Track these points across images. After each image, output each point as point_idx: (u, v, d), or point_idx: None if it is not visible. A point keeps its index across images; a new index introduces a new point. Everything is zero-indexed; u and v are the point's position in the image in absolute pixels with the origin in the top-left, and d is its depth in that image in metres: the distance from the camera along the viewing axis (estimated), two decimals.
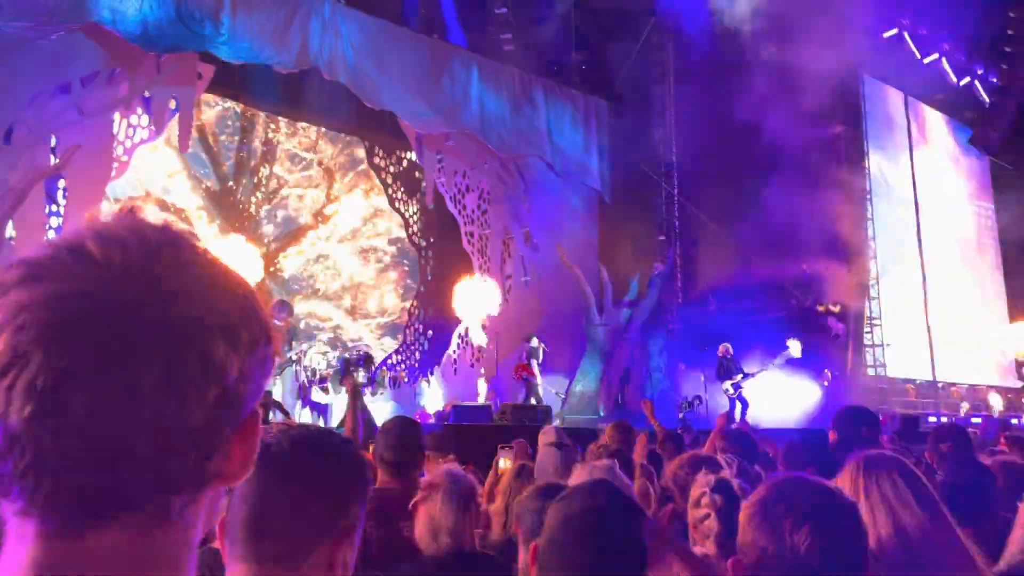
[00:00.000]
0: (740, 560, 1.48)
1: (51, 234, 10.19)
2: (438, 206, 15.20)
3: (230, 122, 13.72)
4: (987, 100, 18.62)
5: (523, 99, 14.48)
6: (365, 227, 15.38)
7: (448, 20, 14.29)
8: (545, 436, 4.39)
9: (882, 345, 15.42)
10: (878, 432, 3.80)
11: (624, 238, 16.96)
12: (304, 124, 14.63)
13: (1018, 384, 18.42)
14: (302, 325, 13.11)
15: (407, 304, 15.57)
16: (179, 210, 12.63)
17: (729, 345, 13.28)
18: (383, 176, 15.60)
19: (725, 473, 2.67)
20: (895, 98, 17.33)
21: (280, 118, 14.35)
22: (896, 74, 16.62)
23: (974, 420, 13.09)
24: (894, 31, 16.01)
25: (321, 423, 9.79)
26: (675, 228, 17.05)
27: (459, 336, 15.51)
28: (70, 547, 0.56)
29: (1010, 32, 17.66)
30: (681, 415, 12.13)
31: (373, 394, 11.69)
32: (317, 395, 10.51)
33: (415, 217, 15.89)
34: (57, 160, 10.15)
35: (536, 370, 12.56)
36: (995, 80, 18.24)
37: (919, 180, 17.59)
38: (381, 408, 11.12)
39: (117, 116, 11.29)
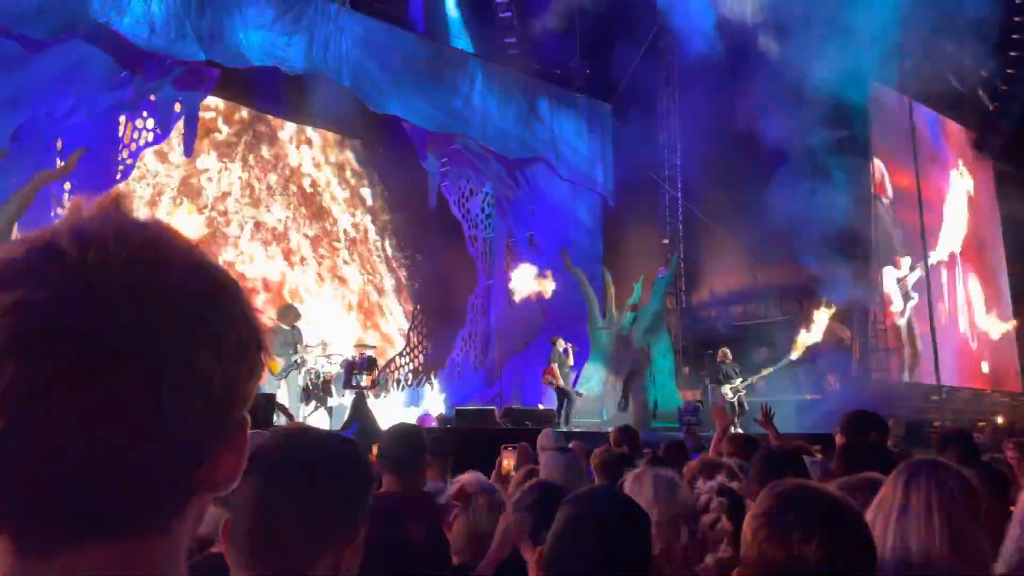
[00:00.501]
0: (744, 573, 1.48)
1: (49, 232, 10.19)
2: (442, 210, 15.21)
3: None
4: (991, 104, 18.59)
5: (527, 104, 14.50)
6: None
7: (452, 24, 14.32)
8: (543, 440, 4.40)
9: (887, 349, 15.39)
10: (886, 437, 3.79)
11: (628, 242, 16.98)
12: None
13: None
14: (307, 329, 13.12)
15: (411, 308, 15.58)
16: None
17: (728, 350, 13.28)
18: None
19: (720, 478, 2.66)
20: (900, 102, 17.31)
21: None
22: (901, 78, 16.60)
23: (980, 424, 13.05)
24: (895, 34, 15.99)
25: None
26: (679, 232, 17.05)
27: (463, 339, 15.53)
28: (49, 565, 0.52)
29: (1015, 36, 17.65)
30: (684, 420, 12.11)
31: (376, 396, 11.70)
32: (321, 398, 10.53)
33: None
34: (63, 163, 10.18)
35: (558, 374, 12.56)
36: (999, 84, 18.22)
37: (924, 184, 17.56)
38: (385, 411, 11.13)
39: (123, 119, 11.34)
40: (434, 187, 14.94)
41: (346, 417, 9.76)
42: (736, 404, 12.53)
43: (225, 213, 13.10)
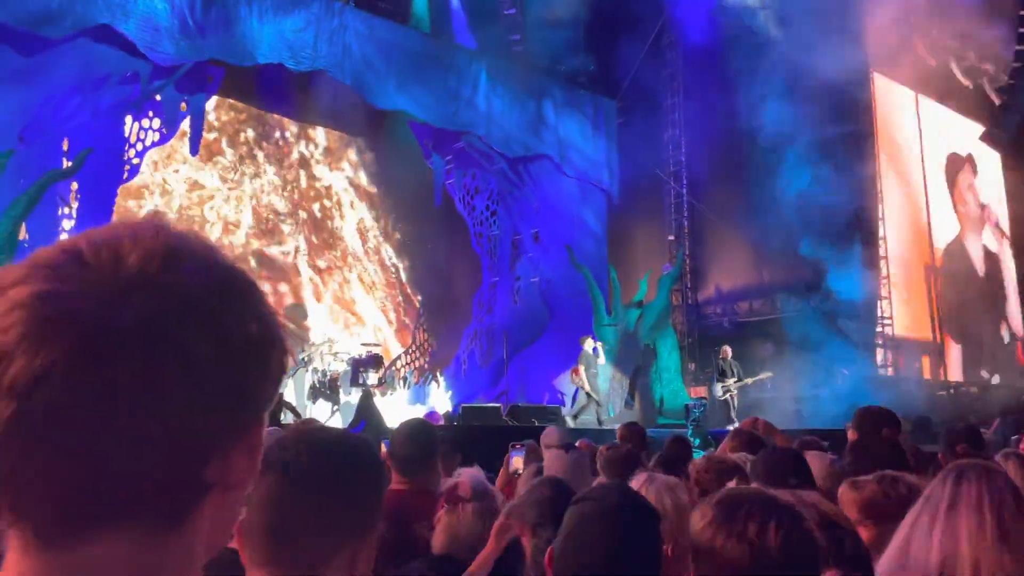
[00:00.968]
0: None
1: (63, 236, 10.24)
2: (447, 207, 15.22)
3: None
4: (997, 98, 18.51)
5: (532, 100, 14.49)
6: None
7: (456, 21, 14.31)
8: (547, 438, 4.40)
9: (894, 344, 15.34)
10: (898, 432, 3.78)
11: (633, 238, 16.95)
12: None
13: None
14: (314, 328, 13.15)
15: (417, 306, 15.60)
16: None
17: (728, 348, 13.30)
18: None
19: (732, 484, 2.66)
20: (905, 96, 17.24)
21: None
22: (906, 72, 16.53)
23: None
24: (904, 28, 15.93)
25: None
26: (684, 228, 17.02)
27: (468, 337, 15.54)
28: (62, 558, 0.54)
29: (1021, 30, 17.56)
30: (691, 418, 12.11)
31: (383, 395, 11.71)
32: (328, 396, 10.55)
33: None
34: (70, 163, 10.20)
35: (583, 374, 12.59)
36: (1006, 77, 18.13)
37: (930, 179, 17.50)
38: (391, 409, 11.14)
39: (129, 119, 11.36)
40: (439, 185, 14.94)
41: (353, 415, 9.78)
42: (729, 403, 12.55)
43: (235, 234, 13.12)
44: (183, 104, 11.74)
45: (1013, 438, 7.18)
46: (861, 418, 3.71)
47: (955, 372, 16.49)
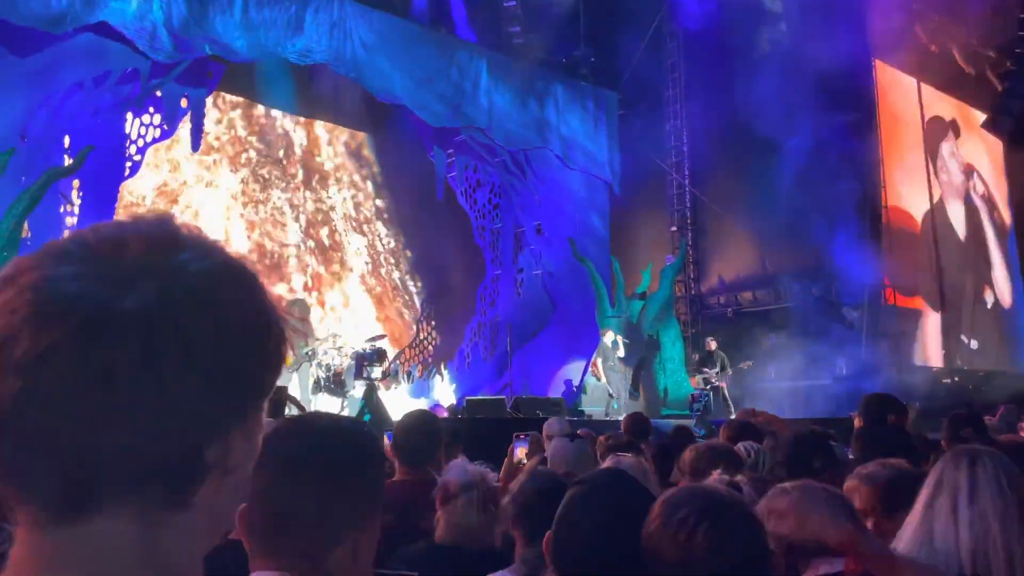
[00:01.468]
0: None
1: (66, 234, 10.24)
2: (449, 200, 15.21)
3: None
4: (999, 84, 18.42)
5: (532, 92, 14.44)
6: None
7: (456, 14, 14.26)
8: (548, 428, 4.41)
9: (898, 333, 15.32)
10: (905, 419, 3.78)
11: (636, 229, 16.93)
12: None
13: None
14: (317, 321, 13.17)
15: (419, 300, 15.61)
16: None
17: (713, 339, 13.37)
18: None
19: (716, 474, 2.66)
20: (907, 84, 17.19)
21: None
22: (908, 60, 16.47)
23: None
24: (905, 16, 15.86)
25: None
26: (686, 218, 16.99)
27: (472, 330, 15.55)
28: (67, 533, 0.56)
29: (1022, 15, 17.47)
30: (696, 407, 12.12)
31: (387, 388, 11.73)
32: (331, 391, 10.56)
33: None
34: (71, 160, 10.21)
35: (599, 366, 12.61)
36: (1008, 63, 18.05)
37: (933, 166, 17.46)
38: (394, 402, 11.15)
39: (129, 116, 11.36)
40: (441, 178, 14.93)
41: (357, 409, 9.79)
42: (721, 392, 12.58)
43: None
44: (184, 100, 11.74)
45: (1020, 424, 7.19)
46: (867, 405, 3.71)
47: (934, 336, 16.41)
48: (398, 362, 13.98)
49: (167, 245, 0.59)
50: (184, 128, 12.10)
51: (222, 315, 0.59)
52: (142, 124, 11.48)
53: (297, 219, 14.04)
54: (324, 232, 14.41)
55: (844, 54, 13.60)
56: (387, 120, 14.09)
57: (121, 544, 0.56)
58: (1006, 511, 1.84)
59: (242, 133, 13.60)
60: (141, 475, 0.56)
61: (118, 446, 0.55)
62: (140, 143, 11.47)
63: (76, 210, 10.79)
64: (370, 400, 9.64)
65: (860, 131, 15.27)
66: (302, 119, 14.41)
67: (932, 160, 17.63)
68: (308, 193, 14.32)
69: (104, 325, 0.54)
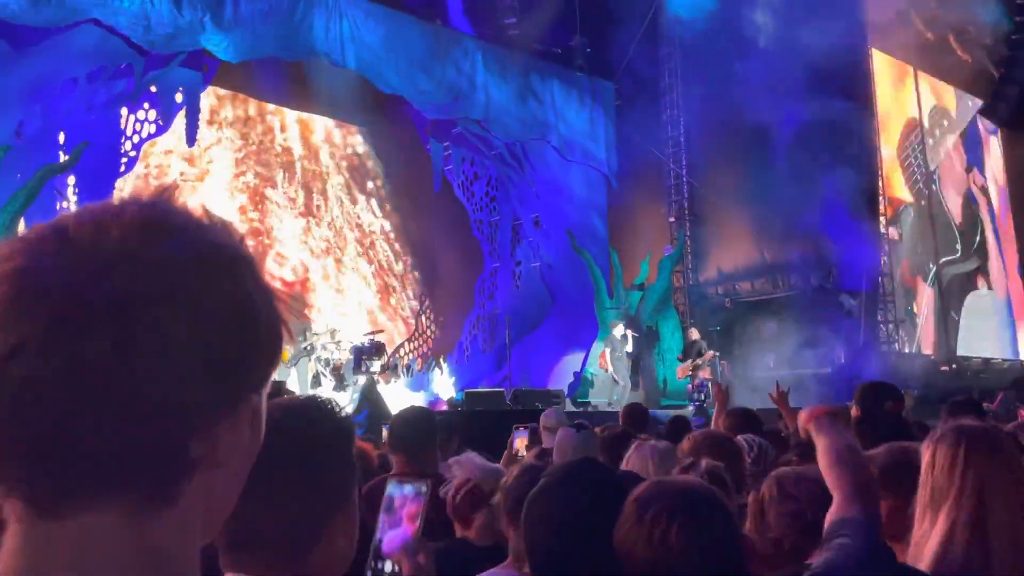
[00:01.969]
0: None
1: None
2: (446, 194, 15.19)
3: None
4: (996, 72, 18.39)
5: (528, 84, 14.41)
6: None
7: (451, 6, 14.21)
8: (546, 420, 4.41)
9: (895, 321, 15.34)
10: (902, 406, 3.78)
11: (633, 221, 16.91)
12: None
13: None
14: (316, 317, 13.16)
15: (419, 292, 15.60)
16: None
17: (696, 330, 13.43)
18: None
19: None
20: (904, 71, 17.16)
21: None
22: (905, 47, 16.43)
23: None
24: (901, 2, 15.82)
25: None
26: (684, 209, 16.97)
27: (471, 323, 15.55)
28: (54, 527, 0.55)
29: (1019, 1, 17.43)
30: (696, 397, 12.13)
31: (386, 382, 11.73)
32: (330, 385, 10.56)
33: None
34: (67, 156, 10.19)
35: (607, 359, 12.61)
36: (1005, 50, 18.02)
37: (930, 153, 17.44)
38: (393, 396, 11.15)
39: (124, 111, 11.33)
40: (438, 171, 14.92)
41: (355, 404, 9.79)
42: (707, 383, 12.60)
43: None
44: (178, 94, 11.70)
45: (1019, 410, 7.20)
46: (863, 393, 3.72)
47: (932, 324, 16.45)
48: (397, 356, 13.99)
49: (152, 230, 0.57)
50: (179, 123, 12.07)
51: (202, 305, 0.56)
52: (137, 120, 11.45)
53: (295, 215, 14.02)
54: (322, 228, 14.38)
55: (840, 42, 13.56)
56: (383, 114, 14.06)
57: (107, 539, 0.55)
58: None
59: (236, 130, 13.57)
60: (122, 470, 0.55)
61: (94, 441, 0.53)
62: (135, 139, 11.45)
63: (72, 207, 10.73)
64: (370, 395, 9.64)
65: (857, 119, 15.24)
66: (301, 115, 14.36)
67: (929, 147, 17.62)
68: (305, 189, 14.29)
69: (76, 319, 0.53)
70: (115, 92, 10.93)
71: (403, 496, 1.35)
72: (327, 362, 10.68)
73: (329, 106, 13.87)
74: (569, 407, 11.32)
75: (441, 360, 14.53)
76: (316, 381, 10.52)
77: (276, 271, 13.35)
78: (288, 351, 9.98)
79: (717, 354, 13.07)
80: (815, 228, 13.86)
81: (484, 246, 15.78)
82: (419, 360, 14.68)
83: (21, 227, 9.31)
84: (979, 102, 18.73)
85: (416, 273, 15.45)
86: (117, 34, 9.83)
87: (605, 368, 12.91)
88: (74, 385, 0.52)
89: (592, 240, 15.10)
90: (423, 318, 15.36)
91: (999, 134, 19.23)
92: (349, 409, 10.06)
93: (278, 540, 1.03)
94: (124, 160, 11.34)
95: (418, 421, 3.21)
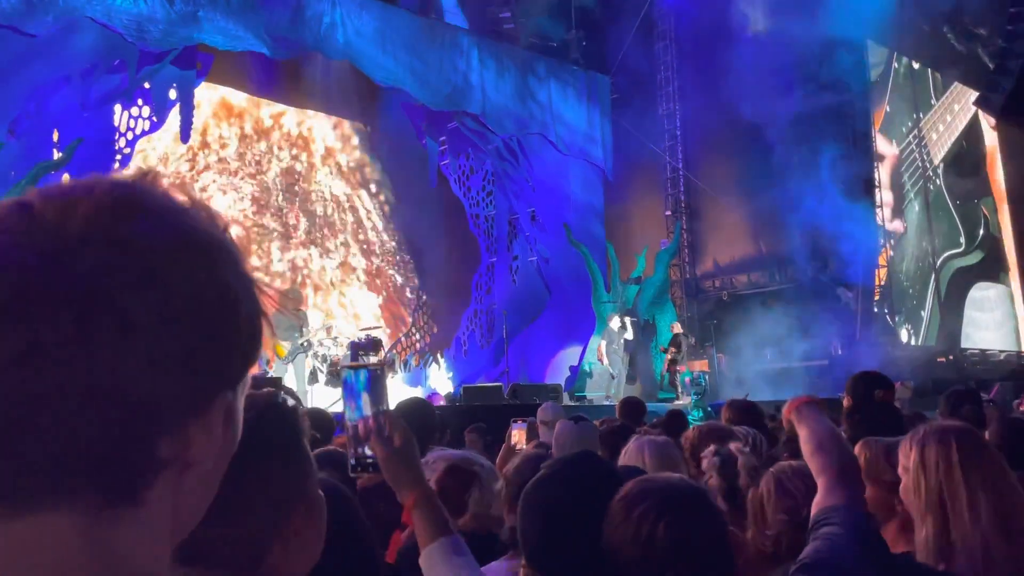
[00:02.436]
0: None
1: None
2: (442, 188, 15.17)
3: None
4: (991, 63, 18.39)
5: (524, 78, 14.39)
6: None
7: (446, 1, 14.19)
8: (543, 414, 4.40)
9: (891, 313, 15.36)
10: (892, 395, 3.79)
11: (630, 214, 16.92)
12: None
13: None
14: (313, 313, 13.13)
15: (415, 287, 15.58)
16: None
17: (679, 324, 13.46)
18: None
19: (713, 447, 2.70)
20: (899, 63, 17.16)
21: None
22: (899, 38, 16.43)
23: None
24: None
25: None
26: (681, 202, 16.97)
27: (468, 318, 15.54)
28: (6, 531, 0.50)
29: None
30: (693, 391, 12.13)
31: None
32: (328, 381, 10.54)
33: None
34: (60, 154, 10.15)
35: (603, 351, 12.64)
36: (1000, 41, 18.01)
37: (926, 145, 17.45)
38: (393, 391, 11.14)
39: (118, 108, 11.29)
40: (434, 166, 14.89)
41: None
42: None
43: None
44: (172, 91, 11.66)
45: (1015, 402, 7.22)
46: (854, 384, 3.73)
47: (929, 315, 16.53)
48: (394, 351, 13.98)
49: (121, 211, 0.53)
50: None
51: (172, 292, 0.52)
52: (131, 116, 11.41)
53: (291, 212, 13.98)
54: (319, 224, 14.35)
55: (836, 34, 13.56)
56: (379, 109, 14.02)
57: (65, 542, 0.51)
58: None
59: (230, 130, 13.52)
60: (82, 467, 0.50)
61: (52, 435, 0.49)
62: (129, 135, 11.41)
63: None
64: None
65: (853, 111, 15.25)
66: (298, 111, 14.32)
67: (933, 142, 17.65)
68: (300, 184, 14.25)
69: (35, 302, 0.48)
70: (109, 89, 10.88)
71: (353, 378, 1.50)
72: (324, 358, 10.66)
73: (324, 101, 13.83)
74: (566, 401, 11.32)
75: (439, 355, 14.53)
76: (313, 377, 10.51)
77: (274, 268, 13.33)
78: (285, 347, 9.96)
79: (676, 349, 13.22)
80: (812, 221, 13.87)
81: (481, 241, 15.77)
82: (416, 355, 14.67)
83: None
84: (974, 93, 18.74)
85: (413, 268, 15.42)
86: (111, 30, 9.79)
87: (602, 362, 12.93)
88: (31, 373, 0.48)
89: (588, 234, 15.09)
90: (420, 313, 15.35)
91: (994, 125, 19.24)
92: (340, 407, 10.04)
93: (221, 553, 0.92)
94: (119, 157, 11.30)
95: (415, 413, 3.20)
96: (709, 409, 9.47)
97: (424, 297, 15.37)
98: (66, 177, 10.54)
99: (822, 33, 13.20)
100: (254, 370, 0.61)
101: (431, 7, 13.83)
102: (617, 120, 15.92)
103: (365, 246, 14.89)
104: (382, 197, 15.24)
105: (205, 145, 12.87)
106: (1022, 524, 1.86)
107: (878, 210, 15.34)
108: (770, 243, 15.66)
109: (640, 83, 16.41)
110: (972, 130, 18.95)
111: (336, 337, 10.89)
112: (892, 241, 15.59)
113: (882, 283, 15.26)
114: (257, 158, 13.65)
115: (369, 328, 11.40)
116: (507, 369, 13.11)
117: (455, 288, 15.44)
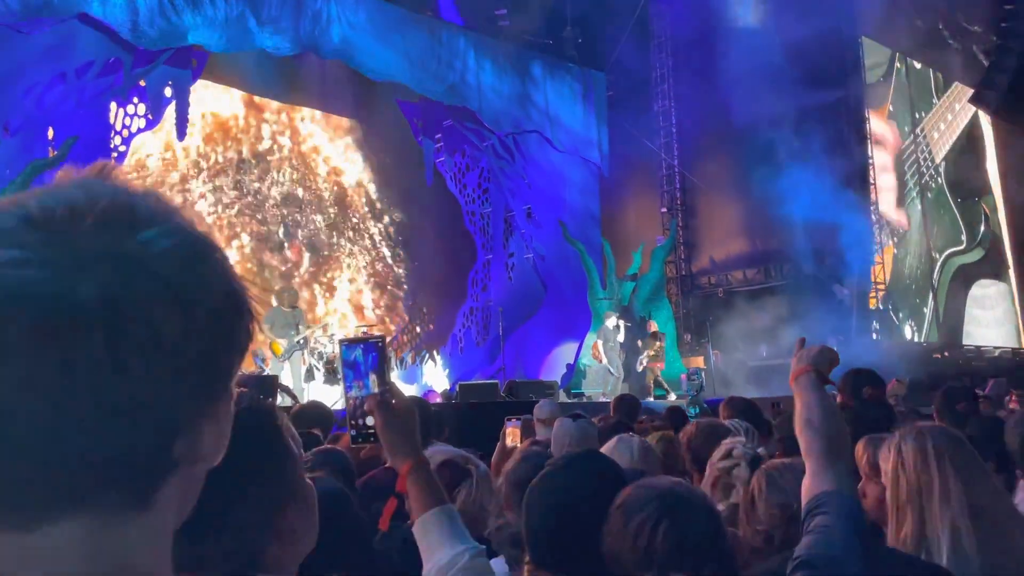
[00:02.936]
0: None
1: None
2: (438, 186, 15.16)
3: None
4: (985, 60, 18.42)
5: (520, 75, 14.38)
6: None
7: None
8: (539, 412, 4.41)
9: (887, 309, 15.39)
10: (882, 391, 3.81)
11: (626, 211, 16.94)
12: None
13: None
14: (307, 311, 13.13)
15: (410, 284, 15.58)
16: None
17: (655, 322, 13.53)
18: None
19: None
20: (894, 60, 17.18)
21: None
22: (894, 35, 16.45)
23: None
24: None
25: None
26: (676, 199, 16.98)
27: (464, 315, 15.54)
28: (20, 540, 0.51)
29: None
30: (689, 388, 12.15)
31: None
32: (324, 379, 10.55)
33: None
34: (55, 151, 10.12)
35: (599, 349, 12.65)
36: (994, 38, 18.05)
37: (921, 141, 17.49)
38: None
39: (113, 106, 11.26)
40: (430, 164, 14.87)
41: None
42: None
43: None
44: (168, 89, 11.63)
45: (1007, 398, 7.25)
46: (844, 381, 3.74)
47: (924, 311, 16.59)
48: (390, 349, 13.98)
49: (123, 220, 0.53)
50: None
51: (192, 301, 0.53)
52: (126, 114, 11.38)
53: (287, 209, 13.96)
54: (317, 223, 14.33)
55: (831, 31, 13.57)
56: (375, 107, 14.00)
57: (79, 547, 0.51)
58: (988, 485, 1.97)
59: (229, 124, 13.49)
60: (104, 478, 0.51)
61: (82, 448, 0.50)
62: (125, 133, 11.38)
63: None
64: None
65: (848, 108, 15.26)
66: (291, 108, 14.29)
67: (934, 140, 17.70)
68: (295, 182, 14.23)
69: (61, 320, 0.49)
70: (104, 87, 10.85)
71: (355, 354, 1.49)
72: (320, 356, 10.67)
73: (319, 99, 13.81)
74: (563, 398, 11.33)
75: (435, 352, 14.53)
76: (309, 375, 10.51)
77: (272, 264, 13.32)
78: (282, 344, 9.96)
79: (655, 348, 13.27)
80: (808, 217, 13.89)
81: (477, 238, 15.76)
82: (412, 353, 14.67)
83: None
84: (969, 90, 18.78)
85: (408, 265, 15.41)
86: (106, 29, 9.76)
87: (598, 359, 12.95)
88: (62, 392, 0.49)
89: (584, 231, 15.11)
90: (416, 310, 15.34)
91: (989, 120, 19.29)
92: (340, 404, 10.04)
93: (222, 569, 0.93)
94: (114, 155, 11.27)
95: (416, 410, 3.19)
96: (706, 406, 9.48)
97: (420, 294, 15.37)
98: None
99: (818, 30, 13.21)
100: (252, 368, 0.63)
101: (427, 4, 13.81)
102: (613, 118, 15.92)
103: (361, 245, 14.88)
104: (377, 194, 15.22)
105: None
106: (994, 511, 1.89)
107: (873, 206, 15.37)
108: (766, 240, 15.69)
109: (635, 81, 16.41)
110: (973, 128, 19.00)
111: (332, 335, 10.90)
112: (895, 239, 15.63)
113: (884, 280, 15.30)
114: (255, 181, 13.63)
115: (364, 326, 11.39)
116: (503, 366, 13.12)
117: (451, 285, 15.43)
